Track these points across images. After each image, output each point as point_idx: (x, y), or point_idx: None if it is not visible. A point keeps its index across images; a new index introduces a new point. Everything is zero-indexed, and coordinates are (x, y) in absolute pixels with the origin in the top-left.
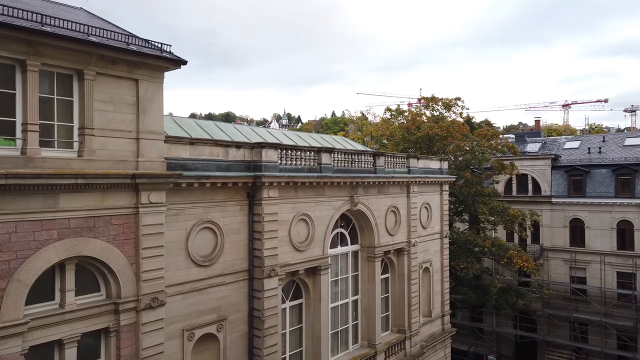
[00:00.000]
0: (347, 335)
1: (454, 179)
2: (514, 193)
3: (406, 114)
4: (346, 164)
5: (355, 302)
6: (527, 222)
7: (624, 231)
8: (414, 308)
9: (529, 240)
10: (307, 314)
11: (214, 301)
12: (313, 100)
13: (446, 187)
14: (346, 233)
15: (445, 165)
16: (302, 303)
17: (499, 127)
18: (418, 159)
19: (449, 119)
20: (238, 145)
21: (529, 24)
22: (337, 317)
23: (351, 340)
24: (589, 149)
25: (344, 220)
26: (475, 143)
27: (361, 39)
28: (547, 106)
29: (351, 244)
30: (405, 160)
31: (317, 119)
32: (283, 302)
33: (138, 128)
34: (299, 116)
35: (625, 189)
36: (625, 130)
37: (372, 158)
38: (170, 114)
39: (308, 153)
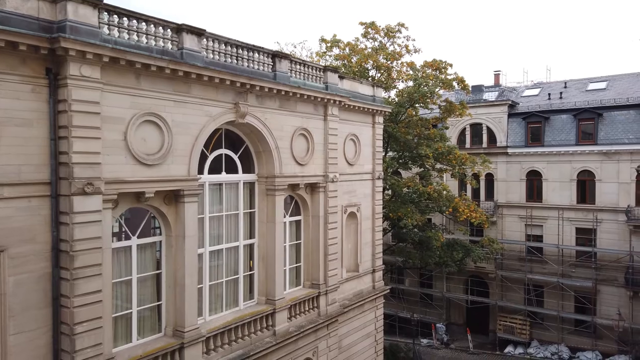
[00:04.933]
0: (237, 289)
1: (390, 110)
2: (468, 145)
3: (342, 44)
4: (228, 59)
5: (249, 247)
6: (479, 169)
7: (584, 183)
8: (332, 258)
9: (482, 197)
10: (167, 256)
11: None
12: None
13: (380, 119)
14: (235, 157)
15: (379, 92)
16: (160, 241)
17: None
18: (342, 77)
19: (391, 51)
20: None
21: None
22: (221, 264)
23: (243, 295)
24: (549, 94)
25: (233, 139)
26: (420, 74)
27: None
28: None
29: (243, 173)
30: (322, 73)
31: None
32: (127, 238)
33: None
34: None
35: (587, 135)
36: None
37: (270, 59)
38: None
39: (161, 29)
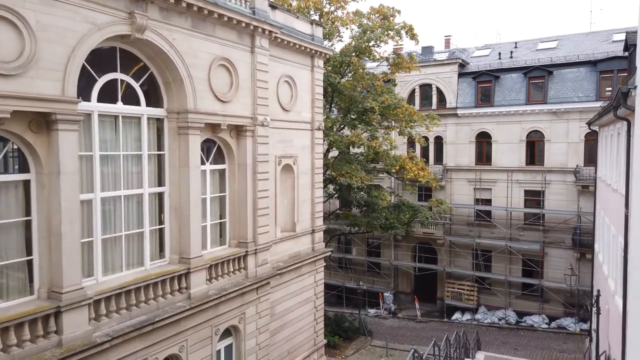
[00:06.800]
0: (142, 245)
1: (332, 53)
2: (417, 107)
3: None
4: None
5: (158, 196)
6: (426, 124)
7: (533, 144)
8: (263, 214)
9: (431, 160)
10: (39, 199)
11: None
12: None
13: (320, 63)
14: (136, 85)
15: (319, 32)
16: (28, 180)
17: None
18: (274, 7)
19: None
20: None
21: None
22: (119, 215)
23: (150, 253)
24: (499, 54)
25: (132, 63)
26: (365, 20)
27: None
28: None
29: (148, 106)
30: None
31: None
32: None
33: None
34: None
35: (537, 94)
36: None
37: None
38: None
39: None
